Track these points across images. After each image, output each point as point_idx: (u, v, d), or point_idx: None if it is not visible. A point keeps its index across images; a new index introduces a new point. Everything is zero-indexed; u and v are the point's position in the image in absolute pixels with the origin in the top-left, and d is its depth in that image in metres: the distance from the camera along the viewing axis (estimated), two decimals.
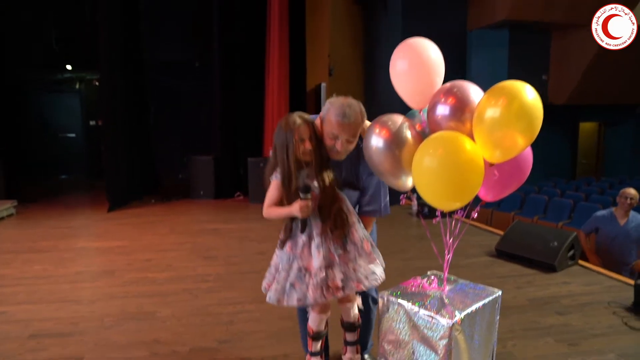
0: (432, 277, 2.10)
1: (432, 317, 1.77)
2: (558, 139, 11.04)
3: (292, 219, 1.94)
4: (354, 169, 2.12)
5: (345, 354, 2.18)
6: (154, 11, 8.66)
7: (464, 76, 10.02)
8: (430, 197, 1.77)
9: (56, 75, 9.75)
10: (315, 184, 1.89)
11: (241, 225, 6.03)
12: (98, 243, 5.14)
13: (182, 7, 9.03)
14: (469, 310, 1.79)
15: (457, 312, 1.76)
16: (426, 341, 1.80)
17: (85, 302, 3.43)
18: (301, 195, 1.83)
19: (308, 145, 1.88)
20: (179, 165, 9.44)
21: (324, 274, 1.86)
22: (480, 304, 1.86)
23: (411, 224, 6.09)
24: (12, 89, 8.38)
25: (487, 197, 1.93)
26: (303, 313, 2.26)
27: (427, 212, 6.41)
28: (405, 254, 4.60)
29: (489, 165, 1.83)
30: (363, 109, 1.96)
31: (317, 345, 2.11)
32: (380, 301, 1.97)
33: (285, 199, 1.93)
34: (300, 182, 1.87)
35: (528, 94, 1.67)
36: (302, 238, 1.93)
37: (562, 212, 7.21)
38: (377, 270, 2.00)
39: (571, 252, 4.16)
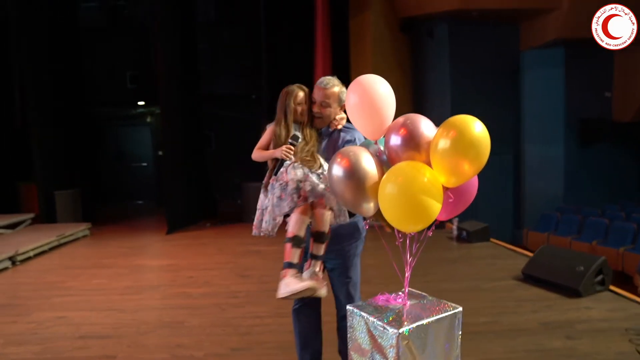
0: (401, 293, 2.27)
1: (384, 327, 1.97)
2: (624, 159, 10.39)
3: (276, 164, 2.24)
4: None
5: (308, 266, 2.26)
6: (212, 50, 9.52)
7: (517, 97, 9.90)
8: (395, 221, 1.96)
9: (129, 110, 10.93)
10: (301, 136, 2.29)
11: (282, 247, 6.37)
12: (151, 261, 5.73)
13: (236, 46, 9.83)
14: (419, 323, 1.97)
15: (406, 324, 1.94)
16: (380, 350, 2.00)
17: (129, 311, 3.92)
18: (289, 141, 2.24)
19: (304, 107, 2.31)
20: (235, 192, 10.10)
21: (295, 185, 2.17)
22: (434, 318, 2.02)
23: (447, 247, 6.12)
24: (91, 124, 9.59)
25: (440, 216, 2.10)
26: (298, 327, 2.54)
27: (465, 235, 6.42)
28: (429, 276, 4.69)
29: (445, 190, 2.03)
30: (342, 87, 2.38)
31: (295, 256, 2.18)
32: (347, 312, 2.19)
33: (273, 146, 2.30)
34: (292, 134, 2.28)
35: (476, 127, 1.87)
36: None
37: (625, 236, 6.83)
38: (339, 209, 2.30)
39: (599, 277, 4.05)
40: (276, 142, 2.29)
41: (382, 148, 2.12)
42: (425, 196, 1.89)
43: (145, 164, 11.54)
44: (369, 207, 2.06)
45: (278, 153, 2.22)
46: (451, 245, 6.26)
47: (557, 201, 9.25)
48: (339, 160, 2.02)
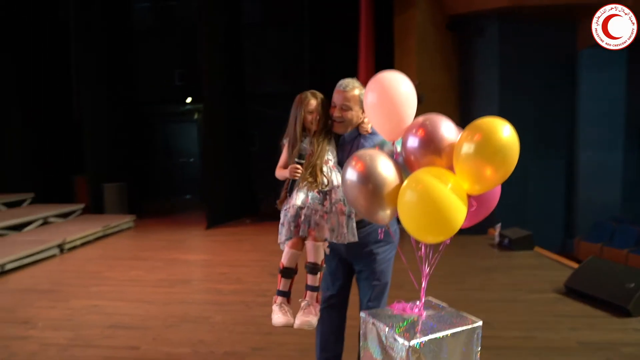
0: (418, 302, 2.15)
1: (395, 338, 1.87)
2: None
3: (291, 181, 2.19)
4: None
5: (304, 297, 2.24)
6: (256, 50, 9.64)
7: (572, 99, 9.36)
8: (415, 232, 1.83)
9: (178, 107, 11.27)
10: (309, 148, 2.20)
11: None
12: (187, 255, 5.85)
13: (280, 46, 9.91)
14: (433, 336, 1.85)
15: (418, 336, 1.83)
16: None
17: (158, 304, 4.01)
18: (295, 159, 2.16)
19: (315, 116, 2.21)
20: (277, 190, 10.17)
21: (294, 212, 2.14)
22: (450, 331, 1.90)
23: (487, 255, 5.85)
24: (141, 121, 9.98)
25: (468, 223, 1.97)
26: (320, 329, 2.48)
27: (507, 243, 6.11)
28: (464, 284, 4.49)
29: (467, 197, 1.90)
30: (363, 89, 2.24)
31: (286, 286, 2.23)
32: (361, 319, 2.11)
33: (289, 161, 2.23)
34: (299, 148, 2.19)
35: (504, 131, 1.74)
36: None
37: None
38: (337, 230, 2.20)
39: None
40: (289, 157, 2.25)
41: (399, 149, 2.02)
42: (448, 206, 1.75)
43: (192, 160, 11.87)
44: (385, 215, 1.93)
45: (288, 173, 2.18)
46: (491, 252, 5.98)
47: (613, 211, 8.65)
48: (353, 163, 1.91)
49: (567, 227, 9.31)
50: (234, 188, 8.58)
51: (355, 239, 2.23)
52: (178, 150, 11.76)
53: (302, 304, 2.20)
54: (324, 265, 2.26)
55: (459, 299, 4.01)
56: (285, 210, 2.19)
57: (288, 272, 2.23)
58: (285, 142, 2.27)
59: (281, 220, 2.23)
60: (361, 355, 2.11)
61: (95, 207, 8.27)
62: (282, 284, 2.23)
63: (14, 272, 5.03)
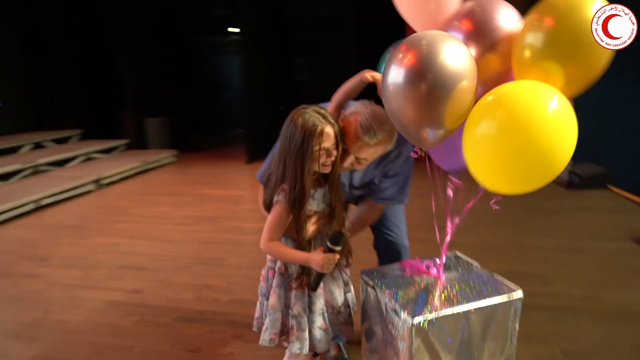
0: (438, 260, 1.62)
1: (396, 312, 1.39)
2: None
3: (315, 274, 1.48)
4: (367, 173, 1.80)
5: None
6: None
7: None
8: (490, 181, 1.22)
9: (222, 38, 10.76)
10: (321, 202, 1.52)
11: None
12: (219, 191, 5.60)
13: None
14: (449, 311, 1.35)
15: (427, 310, 1.34)
16: (391, 339, 1.43)
17: (176, 243, 3.78)
18: (329, 244, 1.41)
19: (332, 157, 1.44)
20: None
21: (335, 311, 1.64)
22: (474, 304, 1.38)
23: (551, 194, 5.05)
24: (185, 54, 9.64)
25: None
26: None
27: (577, 181, 5.29)
28: (518, 228, 3.85)
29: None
30: (394, 133, 1.53)
31: None
32: (360, 280, 1.64)
33: (294, 226, 1.49)
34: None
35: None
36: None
37: None
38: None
39: None
40: (296, 220, 1.48)
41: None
42: (554, 144, 1.11)
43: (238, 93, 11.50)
44: (435, 135, 1.26)
45: (319, 265, 1.41)
46: (557, 191, 5.17)
47: None
48: (400, 55, 1.21)
49: None
50: (276, 120, 8.13)
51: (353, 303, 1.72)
52: (225, 83, 11.39)
53: None
54: None
55: (509, 246, 3.43)
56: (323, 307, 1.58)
57: None
58: (282, 199, 1.46)
59: (316, 323, 1.57)
60: (361, 323, 1.67)
61: (138, 143, 8.22)
62: None
63: (49, 207, 5.03)
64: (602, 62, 1.17)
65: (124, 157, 7.21)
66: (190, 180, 6.27)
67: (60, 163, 6.51)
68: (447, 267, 1.63)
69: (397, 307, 1.38)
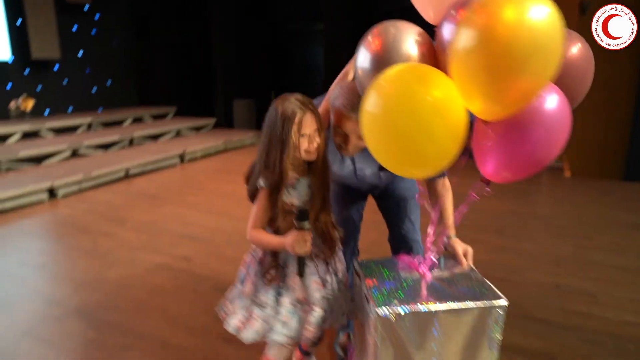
0: (432, 257, 1.59)
1: (368, 302, 1.41)
2: None
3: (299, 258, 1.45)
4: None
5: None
6: None
7: None
8: (375, 154, 1.29)
9: (311, 26, 10.99)
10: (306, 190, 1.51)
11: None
12: None
13: None
14: (419, 308, 1.33)
15: (400, 306, 1.33)
16: (367, 327, 1.45)
17: (235, 219, 4.04)
18: (296, 223, 1.39)
19: (315, 143, 1.45)
20: None
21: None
22: (444, 306, 1.34)
23: (639, 208, 4.53)
24: (275, 39, 10.03)
25: (485, 170, 1.31)
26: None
27: None
28: (588, 240, 3.51)
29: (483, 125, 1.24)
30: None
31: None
32: (351, 268, 1.67)
33: (271, 214, 1.49)
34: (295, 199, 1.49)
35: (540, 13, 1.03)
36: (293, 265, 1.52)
37: None
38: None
39: None
40: (273, 208, 1.49)
41: None
42: (420, 125, 1.15)
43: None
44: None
45: (290, 246, 1.40)
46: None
47: None
48: (370, 39, 1.34)
49: None
50: None
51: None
52: (316, 70, 11.65)
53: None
54: None
55: (568, 258, 3.17)
56: (294, 303, 1.53)
57: None
58: (264, 185, 1.46)
59: (281, 317, 1.52)
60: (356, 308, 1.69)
61: (226, 123, 8.77)
62: None
63: (137, 176, 5.61)
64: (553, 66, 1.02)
65: (210, 135, 7.75)
66: None
67: (155, 137, 7.19)
68: (442, 267, 1.60)
69: (371, 297, 1.40)
